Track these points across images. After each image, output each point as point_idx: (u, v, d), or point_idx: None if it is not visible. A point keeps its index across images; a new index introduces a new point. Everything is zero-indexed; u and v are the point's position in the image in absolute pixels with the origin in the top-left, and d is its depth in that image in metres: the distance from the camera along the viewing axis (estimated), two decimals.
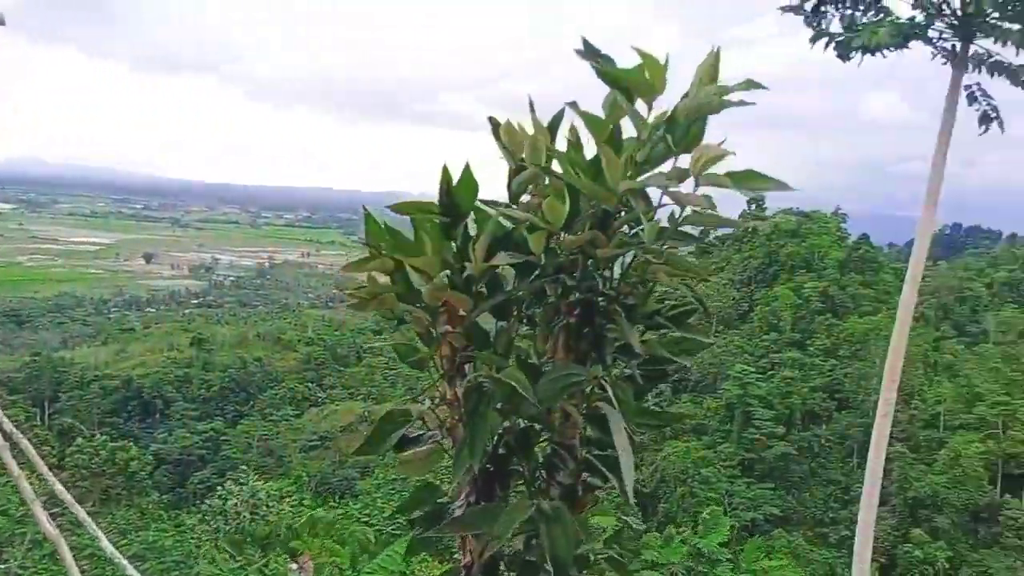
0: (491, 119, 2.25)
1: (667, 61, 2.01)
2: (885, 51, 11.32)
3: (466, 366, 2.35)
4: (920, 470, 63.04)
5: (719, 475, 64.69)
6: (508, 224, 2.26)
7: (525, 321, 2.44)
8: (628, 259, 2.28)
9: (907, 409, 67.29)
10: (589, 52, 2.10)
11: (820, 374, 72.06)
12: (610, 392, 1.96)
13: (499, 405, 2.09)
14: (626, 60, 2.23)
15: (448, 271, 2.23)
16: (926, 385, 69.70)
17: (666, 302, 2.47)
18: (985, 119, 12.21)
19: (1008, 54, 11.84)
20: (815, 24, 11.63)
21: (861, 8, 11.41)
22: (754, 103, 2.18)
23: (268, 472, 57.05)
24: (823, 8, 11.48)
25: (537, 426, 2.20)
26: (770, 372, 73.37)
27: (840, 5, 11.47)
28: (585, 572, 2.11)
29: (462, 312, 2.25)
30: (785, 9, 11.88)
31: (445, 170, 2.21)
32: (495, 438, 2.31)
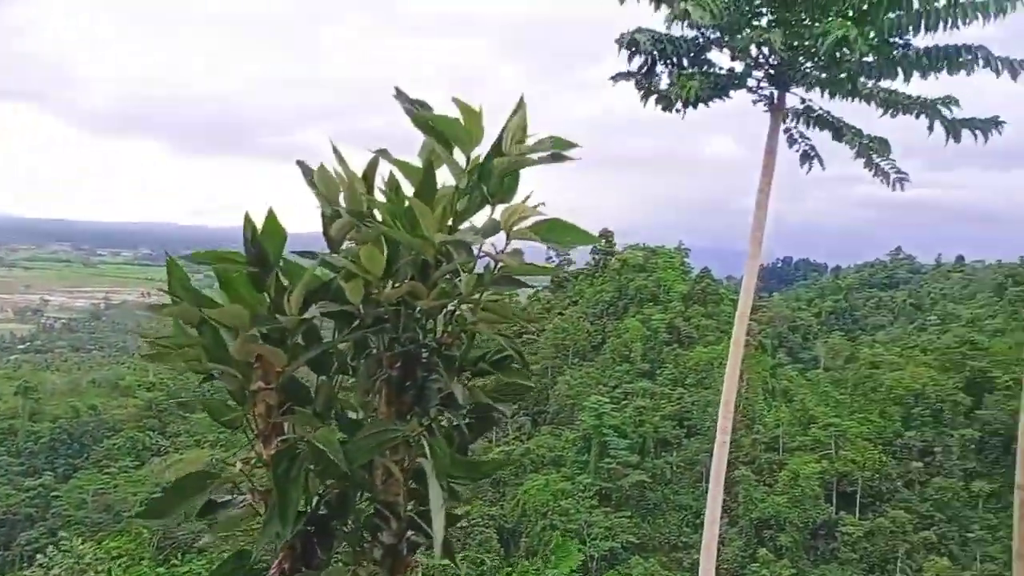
0: (300, 163, 2.17)
1: (481, 112, 2.01)
2: (708, 102, 12.16)
3: (285, 425, 2.23)
4: (763, 491, 66.65)
5: (578, 506, 65.77)
6: (328, 273, 2.18)
7: (351, 374, 2.36)
8: (452, 309, 2.26)
9: (750, 433, 71.22)
10: (404, 98, 2.07)
11: (669, 402, 75.05)
12: (426, 446, 1.91)
13: (313, 466, 1.99)
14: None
15: (262, 323, 2.12)
16: (766, 410, 74.03)
17: (488, 349, 2.47)
18: (805, 157, 13.33)
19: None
20: (647, 84, 12.30)
21: (686, 63, 12.16)
22: (577, 158, 2.22)
23: (104, 529, 52.91)
24: (656, 68, 12.17)
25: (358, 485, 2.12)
26: (623, 402, 75.69)
27: (668, 62, 12.20)
28: None
29: (278, 367, 2.14)
30: (616, 78, 12.54)
31: (248, 219, 2.10)
32: (315, 499, 2.20)
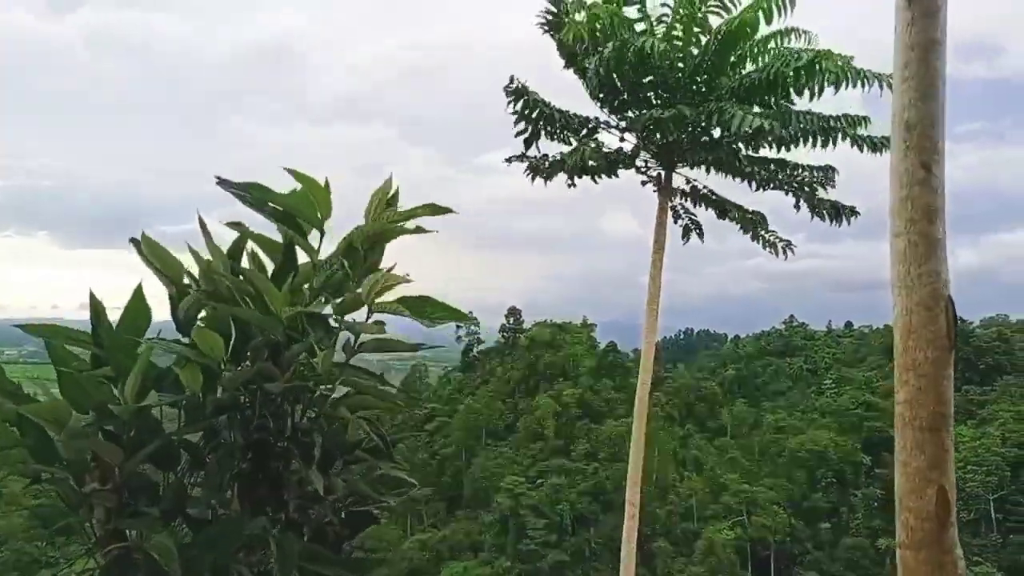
0: (133, 240, 2.02)
1: (327, 184, 1.93)
2: (597, 178, 12.62)
3: (133, 531, 2.01)
4: (682, 562, 66.46)
5: None
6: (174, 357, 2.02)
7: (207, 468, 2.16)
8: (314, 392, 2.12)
9: (664, 504, 71.38)
10: (229, 185, 1.96)
11: (584, 478, 74.67)
12: (272, 546, 1.73)
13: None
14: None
15: (101, 414, 1.92)
16: (678, 480, 74.53)
17: (365, 436, 2.32)
18: (687, 231, 13.98)
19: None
20: (539, 164, 12.70)
21: (574, 142, 12.57)
22: (435, 231, 2.15)
23: None
24: (540, 137, 12.53)
25: None
26: (539, 480, 74.87)
27: (557, 138, 12.62)
28: None
29: (115, 465, 1.94)
30: (510, 160, 12.93)
31: (92, 298, 1.93)
32: None
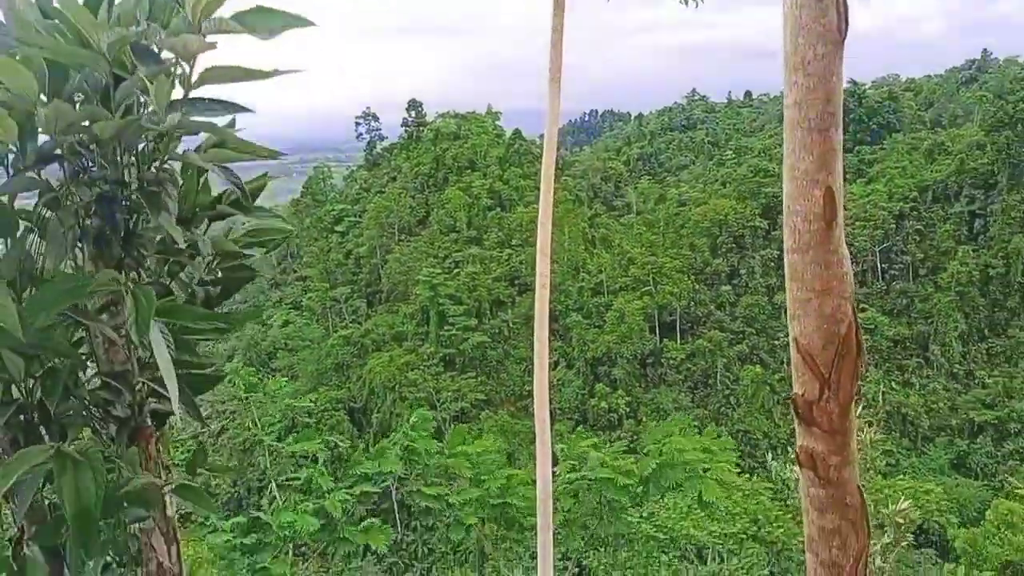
0: None
1: None
2: None
3: None
4: (595, 333, 70.71)
5: (424, 375, 67.21)
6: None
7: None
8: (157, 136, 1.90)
9: (576, 281, 74.61)
10: None
11: (499, 264, 76.76)
12: (129, 300, 1.60)
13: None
14: None
15: None
16: (588, 258, 77.45)
17: (226, 190, 2.15)
18: None
19: None
20: None
21: None
22: None
23: None
24: None
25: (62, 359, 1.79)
26: (455, 270, 76.66)
27: None
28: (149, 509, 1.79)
29: None
30: None
31: None
32: (28, 383, 1.86)
